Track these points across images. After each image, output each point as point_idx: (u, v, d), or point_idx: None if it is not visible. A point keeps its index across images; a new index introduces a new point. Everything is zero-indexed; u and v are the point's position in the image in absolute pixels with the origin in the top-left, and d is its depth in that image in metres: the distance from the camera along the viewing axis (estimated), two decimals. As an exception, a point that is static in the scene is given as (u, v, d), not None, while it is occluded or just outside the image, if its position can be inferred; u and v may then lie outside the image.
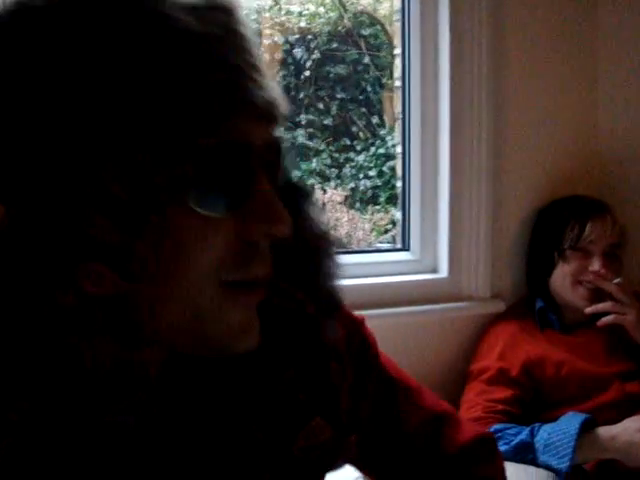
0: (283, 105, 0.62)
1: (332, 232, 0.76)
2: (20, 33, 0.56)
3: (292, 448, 0.71)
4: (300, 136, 3.64)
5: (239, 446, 0.68)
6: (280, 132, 0.65)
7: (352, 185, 3.58)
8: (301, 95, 3.69)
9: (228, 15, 0.60)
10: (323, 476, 0.76)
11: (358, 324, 0.83)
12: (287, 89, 3.68)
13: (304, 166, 3.60)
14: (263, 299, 0.64)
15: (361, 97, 3.78)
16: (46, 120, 0.55)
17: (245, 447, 0.68)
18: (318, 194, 3.00)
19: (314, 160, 3.64)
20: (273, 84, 0.61)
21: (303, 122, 3.65)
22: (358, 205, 3.44)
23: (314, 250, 0.74)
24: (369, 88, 3.78)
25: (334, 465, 0.77)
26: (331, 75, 3.69)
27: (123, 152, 0.55)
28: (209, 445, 0.67)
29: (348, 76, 3.72)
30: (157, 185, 0.56)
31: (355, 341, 0.81)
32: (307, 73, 3.65)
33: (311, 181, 3.50)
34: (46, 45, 0.55)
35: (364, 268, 2.16)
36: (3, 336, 0.59)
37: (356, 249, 2.70)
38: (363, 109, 3.77)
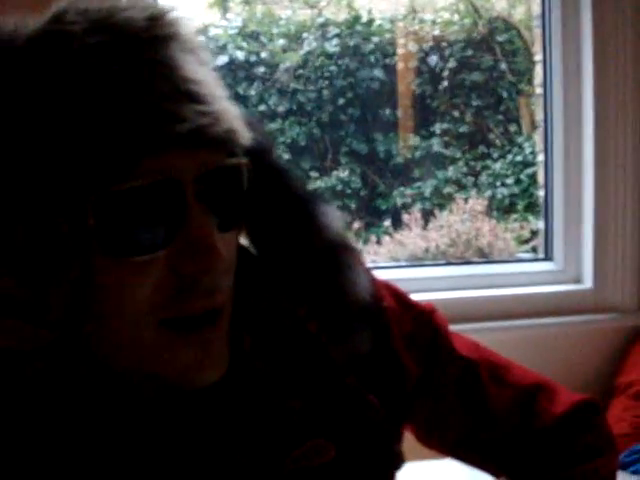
0: (223, 128, 0.59)
1: (349, 239, 0.74)
2: None
3: (283, 468, 0.68)
4: (435, 144, 3.63)
5: (224, 462, 0.67)
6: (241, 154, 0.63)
7: (489, 193, 3.54)
8: (436, 103, 3.68)
9: (150, 47, 0.58)
10: None
11: (428, 316, 0.81)
12: (422, 97, 3.67)
13: (440, 175, 3.59)
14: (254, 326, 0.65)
15: (497, 104, 3.74)
16: None
17: (229, 464, 0.67)
18: (459, 204, 2.97)
19: (450, 168, 3.62)
20: (209, 107, 0.59)
21: (438, 131, 3.64)
22: (496, 214, 3.39)
23: (328, 260, 0.72)
24: (505, 95, 3.73)
25: None
26: (466, 82, 3.67)
27: (28, 212, 0.55)
28: (196, 460, 0.66)
29: (484, 83, 3.68)
30: (65, 240, 0.55)
31: (425, 335, 0.79)
32: (442, 81, 3.64)
33: (448, 189, 3.48)
34: None
35: (506, 278, 2.15)
36: None
37: (497, 259, 2.67)
38: (499, 116, 3.72)
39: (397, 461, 0.76)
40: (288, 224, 0.69)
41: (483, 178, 3.62)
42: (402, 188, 3.56)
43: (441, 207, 3.25)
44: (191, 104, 0.57)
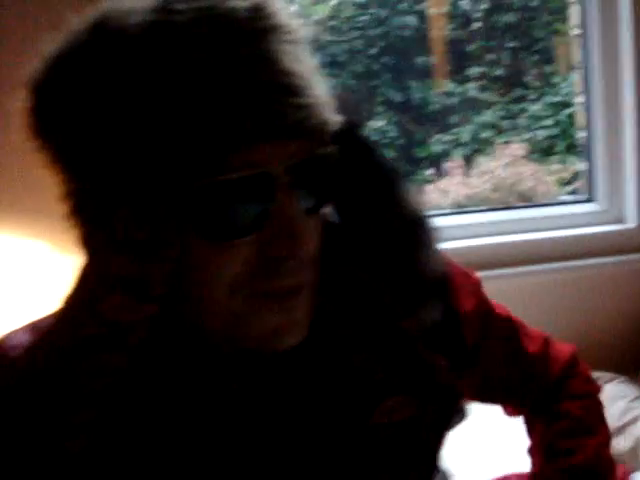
0: (320, 119, 0.62)
1: (425, 215, 0.76)
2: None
3: (368, 424, 0.73)
4: (471, 89, 3.60)
5: (307, 422, 0.72)
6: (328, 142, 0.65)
7: (528, 136, 3.52)
8: (470, 47, 3.65)
9: (253, 40, 0.60)
10: (417, 450, 0.77)
11: (479, 287, 0.88)
12: (455, 42, 3.64)
13: (477, 119, 3.57)
14: (335, 296, 0.69)
15: (532, 45, 3.69)
16: (80, 161, 0.62)
17: (313, 423, 0.72)
18: (501, 148, 2.97)
19: (487, 113, 3.60)
20: (307, 100, 0.61)
21: (474, 75, 3.61)
22: (536, 156, 3.38)
23: (404, 235, 0.75)
24: (540, 35, 3.68)
25: (419, 439, 0.77)
26: (500, 24, 3.62)
27: (132, 195, 0.59)
28: (280, 420, 0.71)
29: (518, 24, 3.63)
30: (167, 223, 0.59)
31: (480, 308, 0.86)
32: (475, 24, 3.60)
33: (486, 134, 3.47)
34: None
35: (549, 221, 2.16)
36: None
37: (540, 203, 2.67)
38: (535, 57, 3.68)
39: (463, 416, 0.81)
40: (372, 199, 0.72)
41: (521, 121, 3.59)
42: (439, 135, 3.55)
43: (480, 152, 3.24)
44: (288, 97, 0.60)
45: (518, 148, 2.91)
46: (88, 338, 0.61)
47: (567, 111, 3.44)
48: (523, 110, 3.62)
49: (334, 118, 0.65)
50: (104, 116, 0.60)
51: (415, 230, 0.75)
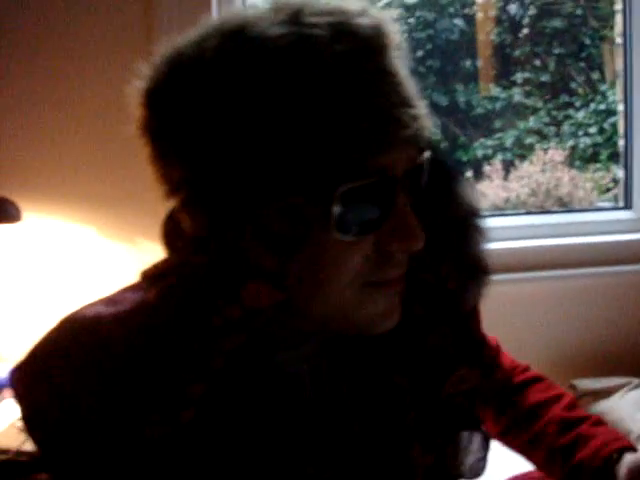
0: (427, 129, 0.70)
1: (480, 208, 0.84)
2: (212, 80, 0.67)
3: (440, 394, 0.82)
4: (516, 94, 3.60)
5: (384, 391, 0.80)
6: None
7: (571, 143, 3.51)
8: (517, 52, 3.65)
9: (377, 56, 0.67)
10: (471, 415, 0.87)
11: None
12: (502, 47, 3.65)
13: (521, 125, 3.57)
14: (407, 280, 0.74)
15: (579, 51, 3.68)
16: (226, 164, 0.66)
17: (390, 393, 0.80)
18: (539, 154, 2.98)
19: (531, 119, 3.60)
20: (419, 110, 0.68)
21: (519, 80, 3.61)
22: (578, 163, 3.37)
23: (462, 226, 0.83)
24: (588, 41, 3.67)
25: (481, 404, 0.89)
26: (547, 30, 3.61)
27: (279, 195, 0.66)
28: (359, 390, 0.79)
29: (565, 30, 3.62)
30: (307, 221, 0.67)
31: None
32: (522, 29, 3.60)
33: (529, 140, 3.46)
34: (220, 97, 0.66)
35: (585, 227, 2.18)
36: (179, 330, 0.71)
37: (577, 208, 2.68)
38: (582, 64, 3.66)
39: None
40: (437, 191, 0.79)
41: (565, 127, 3.58)
42: (483, 139, 3.56)
43: (522, 158, 3.25)
44: (408, 109, 0.67)
45: (557, 154, 2.91)
46: (225, 321, 0.69)
47: (612, 119, 3.43)
48: (568, 117, 3.61)
49: (430, 125, 0.71)
50: (249, 120, 0.65)
51: (473, 221, 0.83)
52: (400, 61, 0.70)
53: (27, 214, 2.04)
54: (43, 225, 2.11)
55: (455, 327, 0.83)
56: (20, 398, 0.75)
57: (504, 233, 2.13)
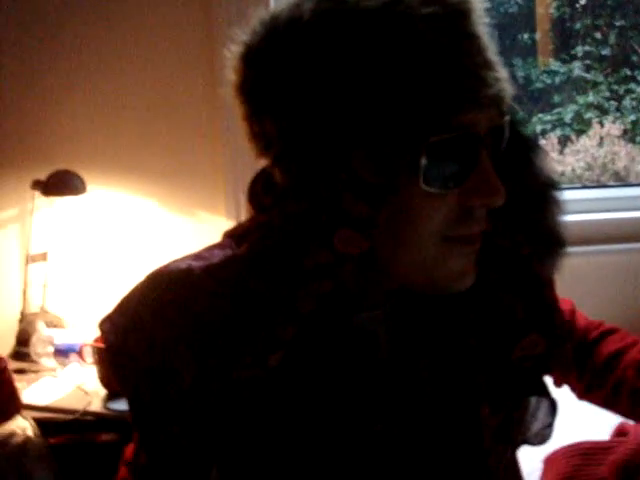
0: (508, 92, 0.73)
1: (555, 180, 0.86)
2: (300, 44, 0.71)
3: (510, 357, 0.83)
4: (576, 68, 3.54)
5: (457, 352, 0.82)
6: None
7: (632, 118, 3.44)
8: (577, 25, 3.58)
9: (463, 19, 0.71)
10: (538, 380, 0.88)
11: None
12: (561, 20, 3.59)
13: (581, 100, 3.51)
14: (483, 245, 0.76)
15: (642, 23, 3.59)
16: (322, 117, 0.70)
17: (462, 353, 0.82)
18: (596, 128, 2.95)
19: (591, 93, 3.54)
20: (501, 74, 0.72)
21: (579, 54, 3.54)
22: (639, 139, 3.31)
23: (539, 196, 0.85)
24: (651, 13, 3.58)
25: (547, 370, 0.90)
26: (608, 1, 3.55)
27: (371, 145, 0.70)
28: (432, 351, 0.82)
29: (627, 1, 3.55)
30: (396, 172, 0.70)
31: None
32: (583, 1, 3.54)
33: (588, 115, 3.42)
34: (317, 60, 0.70)
35: (641, 201, 2.16)
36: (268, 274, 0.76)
37: (633, 182, 2.65)
38: (644, 36, 3.58)
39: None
40: (515, 159, 0.82)
41: (626, 102, 3.51)
42: (541, 114, 3.52)
43: (579, 133, 3.21)
44: (491, 71, 0.71)
45: (614, 128, 2.87)
46: (316, 264, 0.74)
47: (675, 93, 3.35)
48: (629, 91, 3.54)
49: (511, 90, 0.75)
50: (343, 76, 0.69)
51: (550, 192, 0.85)
52: (483, 26, 0.73)
53: (91, 187, 2.11)
54: (106, 197, 2.18)
55: (528, 294, 0.85)
56: (110, 348, 0.79)
57: (560, 207, 2.12)
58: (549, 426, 0.89)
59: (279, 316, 0.74)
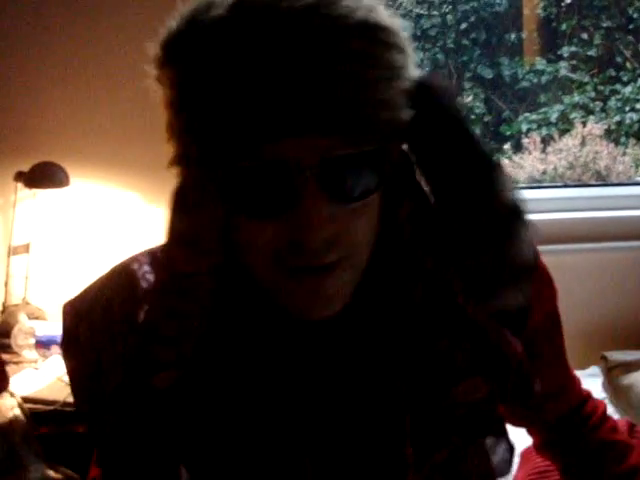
0: (352, 117, 0.63)
1: (520, 203, 0.74)
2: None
3: (440, 403, 0.76)
4: (563, 69, 3.56)
5: (381, 390, 0.76)
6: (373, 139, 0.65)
7: (617, 118, 3.46)
8: (563, 26, 3.60)
9: (296, 36, 0.62)
10: (482, 423, 0.80)
11: (554, 295, 0.88)
12: (548, 20, 3.61)
13: (567, 100, 3.53)
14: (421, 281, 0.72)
15: (627, 25, 3.62)
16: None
17: (387, 393, 0.76)
18: (578, 127, 2.97)
19: (577, 93, 3.56)
20: (345, 92, 0.62)
21: (566, 54, 3.57)
22: (623, 139, 3.33)
23: (502, 220, 0.74)
24: (636, 15, 3.61)
25: (487, 419, 0.80)
26: (595, 2, 3.57)
27: (202, 163, 0.66)
28: (354, 380, 0.77)
29: (613, 3, 3.57)
30: (214, 191, 0.66)
31: (550, 325, 0.89)
32: (569, 1, 3.56)
33: (574, 115, 3.43)
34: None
35: (623, 201, 2.18)
36: None
37: (615, 182, 2.67)
38: (630, 37, 3.61)
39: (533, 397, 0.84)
40: (470, 185, 0.73)
41: (611, 102, 3.54)
42: (527, 114, 3.54)
43: (563, 132, 3.22)
44: (320, 96, 0.62)
45: (595, 128, 2.90)
46: (164, 285, 0.73)
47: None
48: (614, 92, 3.57)
49: (383, 115, 0.65)
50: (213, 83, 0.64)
51: (510, 220, 0.75)
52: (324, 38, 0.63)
53: (74, 179, 2.11)
54: (89, 190, 2.18)
55: (468, 339, 0.77)
56: (64, 329, 0.81)
57: (541, 205, 2.14)
58: (508, 461, 0.83)
59: (158, 337, 0.73)
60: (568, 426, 0.97)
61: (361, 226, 0.69)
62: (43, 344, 2.01)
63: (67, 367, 0.81)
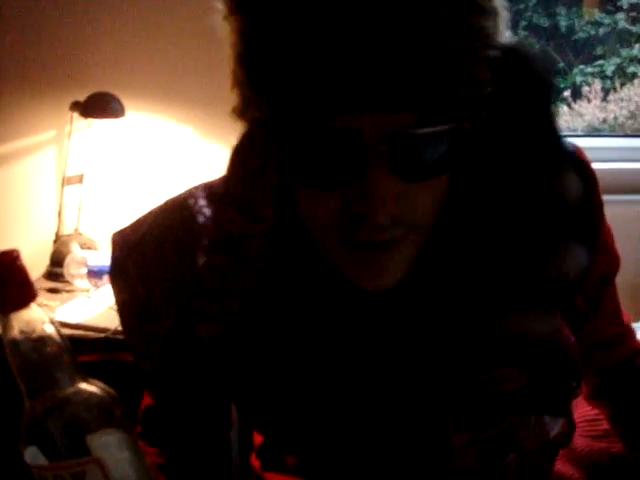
0: (430, 94, 0.59)
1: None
2: None
3: (475, 387, 0.73)
4: (621, 20, 3.47)
5: (432, 364, 0.75)
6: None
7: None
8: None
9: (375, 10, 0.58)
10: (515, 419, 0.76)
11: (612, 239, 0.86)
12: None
13: (624, 53, 3.44)
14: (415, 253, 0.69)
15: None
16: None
17: (437, 368, 0.74)
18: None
19: (636, 46, 3.47)
20: (426, 66, 0.58)
21: (625, 5, 3.47)
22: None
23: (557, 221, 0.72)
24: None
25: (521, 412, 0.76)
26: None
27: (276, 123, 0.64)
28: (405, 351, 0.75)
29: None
30: (274, 157, 0.66)
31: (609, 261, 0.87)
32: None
33: (631, 69, 3.35)
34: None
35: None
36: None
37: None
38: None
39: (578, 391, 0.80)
40: (534, 181, 0.70)
41: (671, 57, 3.44)
42: (583, 66, 3.46)
43: (623, 85, 3.15)
44: (395, 72, 0.59)
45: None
46: (214, 242, 0.71)
47: None
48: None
49: (474, 92, 0.62)
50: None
51: (559, 238, 0.73)
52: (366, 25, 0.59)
53: (129, 111, 2.11)
54: (144, 122, 2.18)
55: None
56: (114, 261, 0.79)
57: (600, 154, 2.10)
58: (565, 435, 0.79)
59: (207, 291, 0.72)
60: (622, 374, 0.95)
61: (427, 203, 0.67)
62: (95, 274, 2.03)
63: (116, 299, 0.80)
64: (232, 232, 0.70)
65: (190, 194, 0.79)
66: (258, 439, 0.86)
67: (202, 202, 0.77)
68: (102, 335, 1.80)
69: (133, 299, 0.77)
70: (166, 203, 0.80)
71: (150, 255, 0.76)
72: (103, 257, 2.09)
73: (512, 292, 0.72)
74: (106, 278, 2.01)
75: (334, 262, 0.70)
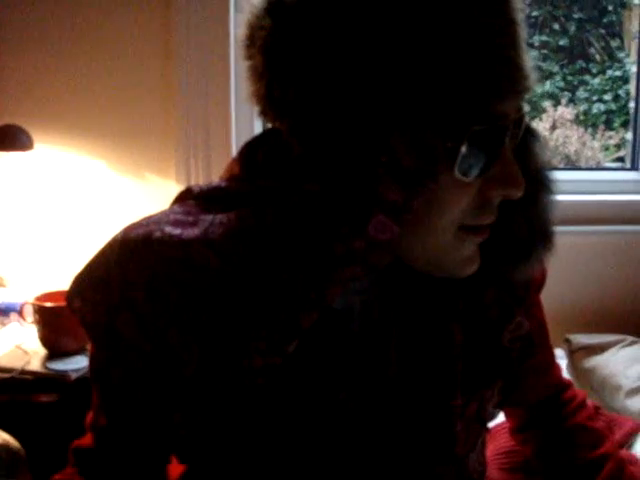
0: (534, 77, 0.69)
1: (550, 171, 0.84)
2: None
3: (501, 339, 0.84)
4: (533, 57, 3.57)
5: (437, 337, 0.80)
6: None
7: (585, 108, 3.49)
8: (536, 14, 3.61)
9: (508, 4, 0.67)
10: (523, 363, 0.89)
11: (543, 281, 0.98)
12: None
13: (537, 88, 3.54)
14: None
15: (600, 17, 3.64)
16: (360, 92, 0.64)
17: (442, 339, 0.80)
18: (549, 111, 2.98)
19: (547, 82, 3.57)
20: (529, 58, 0.69)
21: (537, 43, 3.58)
22: (590, 130, 3.36)
23: (535, 183, 0.81)
24: (609, 7, 3.62)
25: (532, 350, 0.90)
26: (568, -7, 3.57)
27: (413, 129, 0.65)
28: (411, 332, 0.79)
29: (585, -7, 3.58)
30: (435, 158, 0.66)
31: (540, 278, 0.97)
32: (541, -9, 3.56)
33: (543, 104, 3.45)
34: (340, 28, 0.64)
35: (591, 185, 2.19)
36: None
37: (584, 167, 2.69)
38: (601, 30, 3.63)
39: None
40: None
41: (579, 93, 3.56)
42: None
43: (533, 119, 3.23)
44: (527, 59, 0.68)
45: (567, 112, 2.91)
46: (347, 250, 0.66)
47: (628, 87, 3.40)
48: (583, 82, 3.58)
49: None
50: (383, 49, 0.64)
51: (543, 177, 0.84)
52: (520, 12, 0.69)
53: (39, 144, 2.06)
54: (54, 155, 2.13)
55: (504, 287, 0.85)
56: (91, 330, 0.73)
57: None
58: (499, 405, 0.90)
59: (304, 302, 0.67)
60: (549, 407, 1.01)
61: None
62: (2, 311, 1.97)
63: (110, 368, 0.73)
64: (375, 239, 0.67)
65: (149, 228, 0.70)
66: None
67: (175, 231, 0.69)
68: (8, 375, 1.74)
69: (137, 359, 0.70)
70: (121, 246, 0.71)
71: (141, 304, 0.69)
72: (10, 294, 2.03)
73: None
74: (13, 316, 1.95)
75: (439, 257, 0.74)
